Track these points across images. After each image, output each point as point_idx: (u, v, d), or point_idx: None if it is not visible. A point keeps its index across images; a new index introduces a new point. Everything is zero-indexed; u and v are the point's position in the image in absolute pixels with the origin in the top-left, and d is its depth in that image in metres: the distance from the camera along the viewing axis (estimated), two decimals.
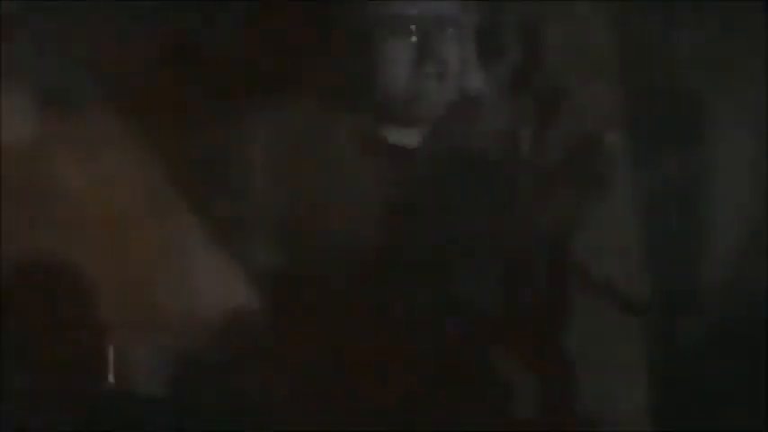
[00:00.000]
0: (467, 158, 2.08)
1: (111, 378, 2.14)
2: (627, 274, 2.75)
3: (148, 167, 2.24)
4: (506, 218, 1.99)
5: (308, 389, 2.00)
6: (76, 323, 2.06)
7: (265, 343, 2.03)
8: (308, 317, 2.02)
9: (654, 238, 2.84)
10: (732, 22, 2.84)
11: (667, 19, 2.86)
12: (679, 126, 2.87)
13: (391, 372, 2.00)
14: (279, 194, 2.05)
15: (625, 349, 2.74)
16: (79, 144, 2.29)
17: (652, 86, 2.87)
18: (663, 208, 2.86)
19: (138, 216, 2.26)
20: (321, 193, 2.07)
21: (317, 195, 2.06)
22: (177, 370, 2.08)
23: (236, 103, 2.37)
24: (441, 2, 2.12)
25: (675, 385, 2.77)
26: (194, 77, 2.53)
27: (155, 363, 2.10)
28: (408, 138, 2.13)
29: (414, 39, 2.09)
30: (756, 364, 2.70)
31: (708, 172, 2.87)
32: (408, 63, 2.10)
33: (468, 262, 2.02)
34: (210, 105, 2.51)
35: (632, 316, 2.78)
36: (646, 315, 2.79)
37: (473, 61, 2.16)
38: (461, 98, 2.15)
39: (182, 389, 2.04)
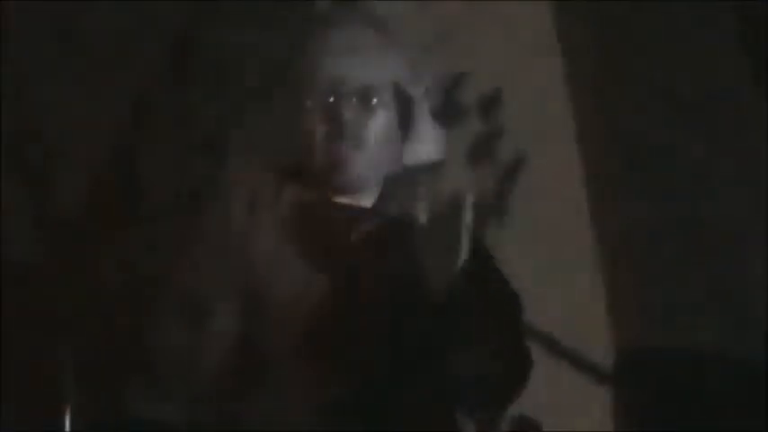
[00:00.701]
0: (406, 224, 2.08)
1: None
2: (587, 337, 2.77)
3: None
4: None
5: None
6: None
7: None
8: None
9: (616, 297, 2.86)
10: None
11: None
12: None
13: None
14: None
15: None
16: None
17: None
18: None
19: None
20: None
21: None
22: None
23: None
24: (368, 71, 2.10)
25: None
26: None
27: None
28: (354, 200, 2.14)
29: (331, 109, 2.09)
30: None
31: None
32: (326, 133, 2.10)
33: (415, 326, 2.03)
34: None
35: (594, 381, 2.79)
36: (607, 380, 2.80)
37: (411, 129, 2.15)
38: (395, 166, 2.15)
39: None
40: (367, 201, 2.12)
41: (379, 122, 2.07)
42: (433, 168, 2.33)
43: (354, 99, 2.06)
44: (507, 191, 2.69)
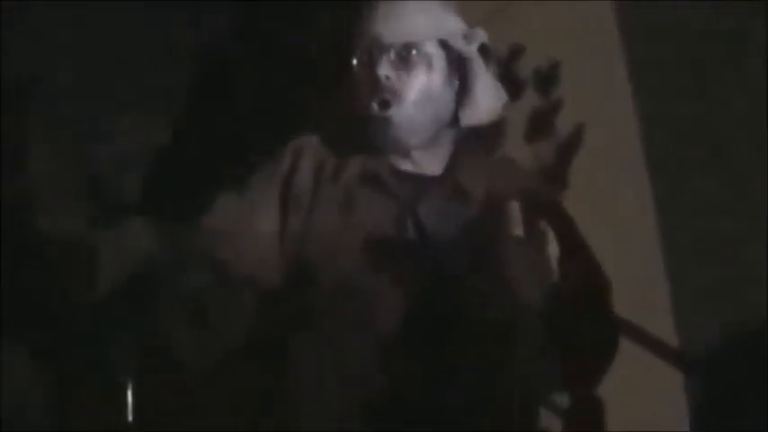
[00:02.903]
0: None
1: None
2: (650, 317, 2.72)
3: None
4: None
5: None
6: None
7: None
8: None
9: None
10: None
11: None
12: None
13: None
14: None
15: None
16: None
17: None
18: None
19: None
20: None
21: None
22: None
23: None
24: (406, 28, 2.05)
25: None
26: None
27: None
28: (407, 164, 2.10)
29: (368, 66, 2.05)
30: None
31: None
32: (365, 90, 2.06)
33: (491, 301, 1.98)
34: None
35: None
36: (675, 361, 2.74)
37: (466, 89, 2.10)
38: (450, 126, 2.11)
39: None
40: (433, 167, 2.09)
41: (421, 79, 2.06)
42: (493, 134, 2.27)
43: (393, 55, 2.06)
44: (566, 165, 2.66)
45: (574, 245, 2.07)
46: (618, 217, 2.71)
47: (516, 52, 2.68)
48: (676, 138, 2.81)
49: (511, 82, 2.65)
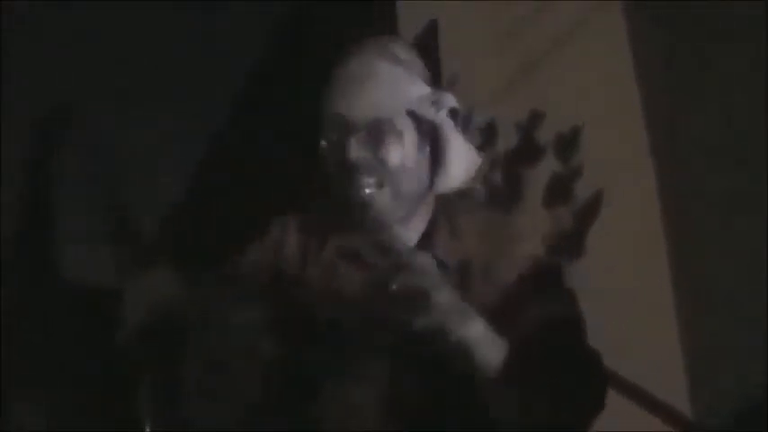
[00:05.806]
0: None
1: None
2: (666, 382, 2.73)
3: None
4: None
5: None
6: None
7: None
8: None
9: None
10: None
11: None
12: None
13: None
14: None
15: None
16: None
17: None
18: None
19: None
20: None
21: None
22: None
23: None
24: (371, 105, 1.97)
25: None
26: None
27: None
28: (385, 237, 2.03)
29: (337, 149, 1.98)
30: None
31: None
32: (338, 174, 1.99)
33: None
34: None
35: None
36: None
37: (440, 156, 2.02)
38: (425, 195, 2.03)
39: None
40: (410, 237, 2.01)
41: (395, 154, 1.99)
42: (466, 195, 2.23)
43: (362, 134, 1.98)
44: (584, 231, 2.68)
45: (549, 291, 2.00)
46: (634, 281, 2.71)
47: (536, 118, 2.72)
48: (695, 197, 2.77)
49: (531, 148, 2.71)
